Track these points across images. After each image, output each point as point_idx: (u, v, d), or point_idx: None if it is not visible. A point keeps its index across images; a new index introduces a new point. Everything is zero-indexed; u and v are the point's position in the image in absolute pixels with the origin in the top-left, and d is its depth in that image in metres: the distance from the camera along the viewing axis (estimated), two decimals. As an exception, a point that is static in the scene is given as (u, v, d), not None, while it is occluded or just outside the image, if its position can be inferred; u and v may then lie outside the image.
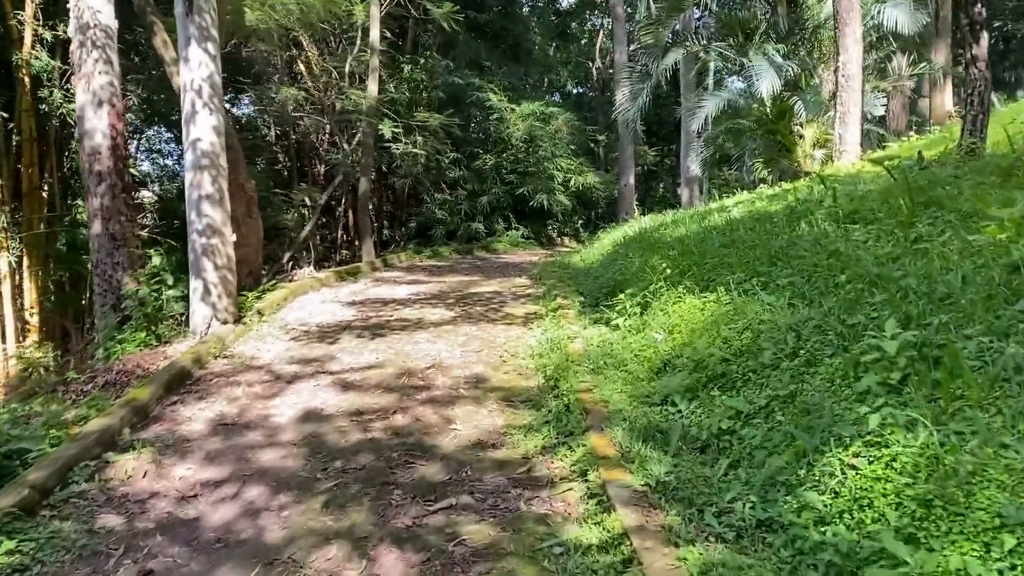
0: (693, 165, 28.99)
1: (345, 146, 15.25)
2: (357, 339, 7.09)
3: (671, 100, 31.65)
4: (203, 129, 7.32)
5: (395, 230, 19.89)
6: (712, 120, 16.12)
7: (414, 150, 15.55)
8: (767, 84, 10.28)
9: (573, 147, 19.98)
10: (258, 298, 8.53)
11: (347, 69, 14.98)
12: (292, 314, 8.48)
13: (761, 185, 10.64)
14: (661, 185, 29.04)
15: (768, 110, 10.78)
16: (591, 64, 28.67)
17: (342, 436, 4.56)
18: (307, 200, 15.03)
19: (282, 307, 8.75)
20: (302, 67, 16.88)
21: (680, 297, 5.44)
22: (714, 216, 7.92)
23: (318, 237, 20.03)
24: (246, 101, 20.76)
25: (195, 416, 4.94)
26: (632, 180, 24.23)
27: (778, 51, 10.92)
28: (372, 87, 14.04)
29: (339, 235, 19.15)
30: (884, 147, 10.79)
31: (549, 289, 9.15)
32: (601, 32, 28.39)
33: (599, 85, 27.88)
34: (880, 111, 12.35)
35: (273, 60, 17.61)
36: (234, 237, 7.76)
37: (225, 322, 7.29)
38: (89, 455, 4.00)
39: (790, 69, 10.50)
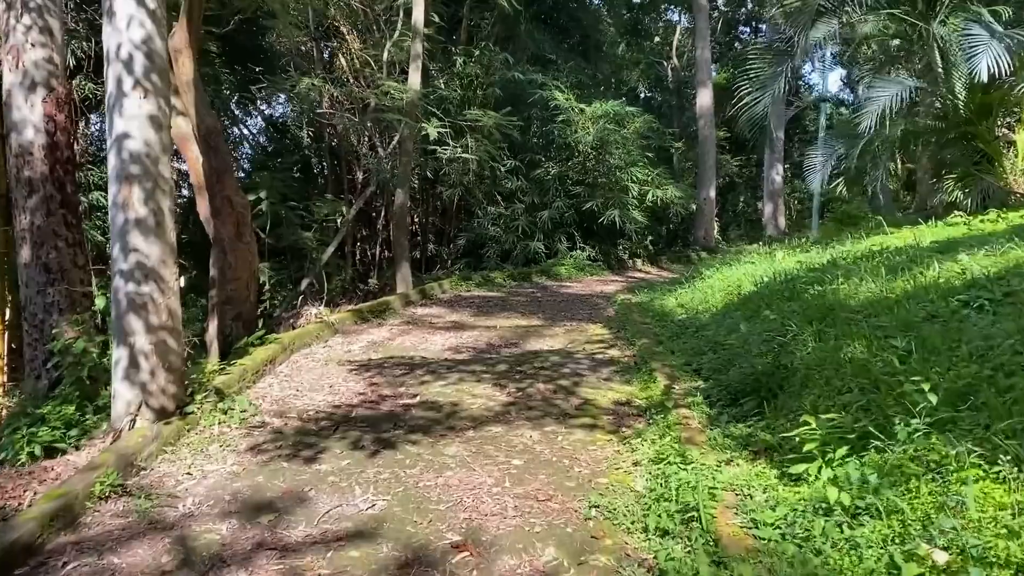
0: (778, 177, 25.90)
1: (380, 150, 12.79)
2: (350, 452, 4.47)
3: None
4: (133, 120, 4.83)
5: (442, 247, 17.38)
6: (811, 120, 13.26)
7: (464, 155, 13.00)
8: (986, 61, 7.08)
9: (650, 155, 17.14)
10: (223, 369, 5.96)
11: (385, 57, 12.52)
12: (273, 389, 5.94)
13: (954, 212, 7.53)
14: (741, 199, 25.90)
15: (961, 104, 7.71)
16: (665, 64, 25.75)
17: None
18: (337, 213, 12.56)
19: (262, 376, 6.21)
20: (343, 61, 14.55)
21: (985, 475, 2.63)
22: (934, 267, 5.00)
23: (357, 255, 17.69)
24: (283, 99, 18.68)
25: None
26: (713, 193, 21.32)
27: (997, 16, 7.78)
28: (414, 78, 11.55)
29: (378, 252, 16.73)
30: None
31: (643, 355, 6.40)
32: (678, 28, 25.46)
33: (673, 87, 24.94)
34: None
35: (309, 51, 15.37)
36: (181, 282, 5.26)
37: (162, 412, 4.79)
38: None
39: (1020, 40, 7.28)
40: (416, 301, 10.79)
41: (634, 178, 15.54)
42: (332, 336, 8.07)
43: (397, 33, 12.50)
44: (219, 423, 4.95)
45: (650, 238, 19.53)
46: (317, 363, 6.84)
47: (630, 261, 17.01)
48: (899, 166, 11.08)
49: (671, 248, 20.90)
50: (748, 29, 28.43)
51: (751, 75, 9.63)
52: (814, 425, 3.43)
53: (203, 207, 8.14)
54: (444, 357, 7.07)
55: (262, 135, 20.12)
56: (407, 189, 11.70)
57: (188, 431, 4.77)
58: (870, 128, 7.47)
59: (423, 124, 12.51)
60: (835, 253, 7.07)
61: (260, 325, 8.60)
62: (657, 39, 27.19)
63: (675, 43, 24.23)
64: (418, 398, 5.61)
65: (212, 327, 8.18)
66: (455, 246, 16.64)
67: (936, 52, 7.91)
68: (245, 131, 19.50)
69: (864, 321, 4.21)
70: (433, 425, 4.93)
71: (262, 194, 11.02)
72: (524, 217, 15.61)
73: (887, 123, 7.59)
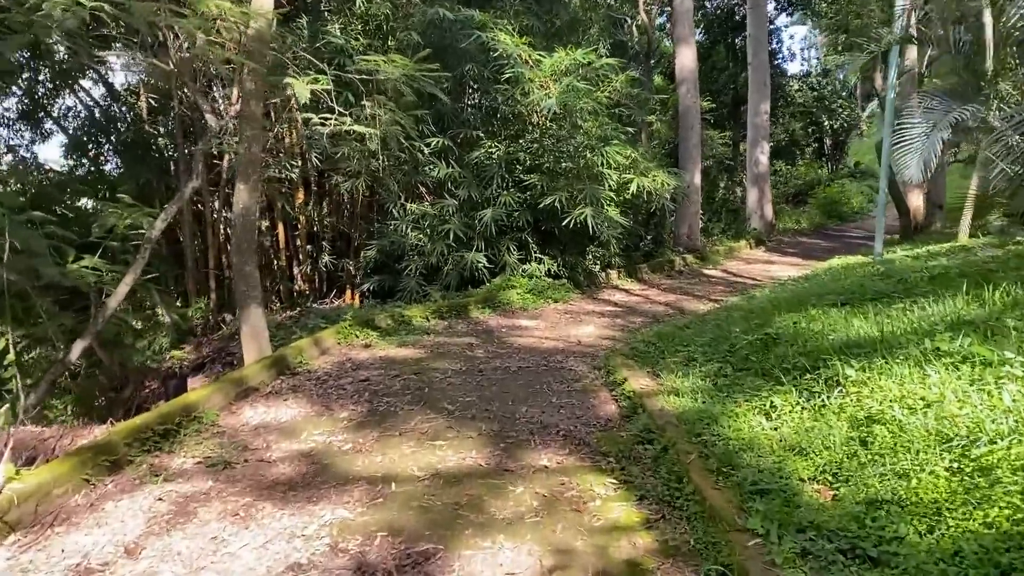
0: (763, 157, 21.87)
1: (212, 119, 7.91)
2: None
3: (722, 68, 24.31)
4: None
5: (346, 259, 12.62)
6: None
7: (360, 128, 8.29)
8: None
9: (630, 130, 12.67)
10: None
11: (219, -35, 7.66)
12: None
13: None
14: (722, 184, 21.79)
15: None
16: (629, 22, 21.32)
17: None
18: (143, 224, 7.63)
19: None
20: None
21: None
22: None
23: (215, 291, 12.66)
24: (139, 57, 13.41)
25: None
26: (698, 179, 17.04)
27: None
28: (260, -4, 6.77)
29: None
30: None
31: None
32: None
33: (642, 50, 20.55)
34: None
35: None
36: None
37: None
38: None
39: None
40: (262, 386, 6.06)
41: (611, 161, 11.04)
42: (-24, 557, 3.34)
43: (240, -74, 7.63)
44: None
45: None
46: None
47: (602, 274, 12.55)
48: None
49: (639, 248, 16.21)
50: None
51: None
52: None
53: None
54: None
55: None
56: (255, 183, 6.91)
57: None
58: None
59: (290, 79, 7.73)
60: None
61: None
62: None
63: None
64: None
65: None
66: (365, 257, 11.89)
67: None
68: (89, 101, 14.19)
69: None
70: None
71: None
72: (458, 218, 10.96)
73: None
